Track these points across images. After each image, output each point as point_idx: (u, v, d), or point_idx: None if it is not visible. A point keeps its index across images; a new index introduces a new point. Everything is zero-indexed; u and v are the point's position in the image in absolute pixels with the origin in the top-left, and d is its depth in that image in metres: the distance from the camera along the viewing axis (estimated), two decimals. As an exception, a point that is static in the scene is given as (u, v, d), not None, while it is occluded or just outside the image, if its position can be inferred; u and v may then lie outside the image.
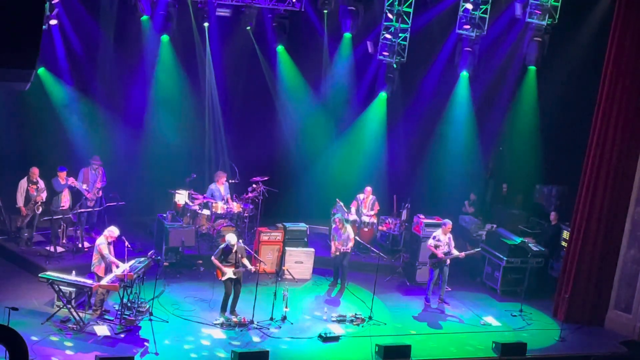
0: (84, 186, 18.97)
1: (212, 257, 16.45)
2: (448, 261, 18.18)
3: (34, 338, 14.26)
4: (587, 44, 21.10)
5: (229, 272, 16.22)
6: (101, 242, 15.78)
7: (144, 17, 20.30)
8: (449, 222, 18.47)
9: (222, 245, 16.53)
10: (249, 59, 21.75)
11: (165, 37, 20.64)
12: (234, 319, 16.10)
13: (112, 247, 15.90)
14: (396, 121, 22.77)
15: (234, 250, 16.29)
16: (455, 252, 18.17)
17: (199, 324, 16.04)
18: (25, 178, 18.49)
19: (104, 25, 20.35)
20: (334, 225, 18.76)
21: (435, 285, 18.33)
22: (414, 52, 21.55)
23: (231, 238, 16.44)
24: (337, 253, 18.40)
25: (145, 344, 14.87)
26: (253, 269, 16.61)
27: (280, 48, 21.63)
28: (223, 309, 16.38)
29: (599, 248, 18.17)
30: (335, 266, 18.75)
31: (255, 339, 15.67)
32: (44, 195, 18.57)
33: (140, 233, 19.69)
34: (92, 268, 15.82)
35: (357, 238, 18.70)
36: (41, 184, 18.55)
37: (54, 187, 18.60)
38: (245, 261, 16.49)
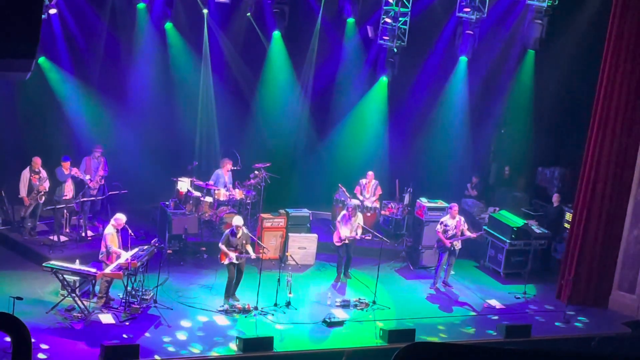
0: (87, 177, 18.97)
1: (220, 244, 16.52)
2: (459, 245, 18.16)
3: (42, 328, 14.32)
4: (588, 25, 21.02)
5: (233, 257, 16.31)
6: (109, 231, 15.74)
7: (141, 5, 20.29)
8: (454, 206, 18.42)
9: (228, 231, 16.61)
10: (249, 45, 21.72)
11: (169, 25, 20.66)
12: (238, 305, 16.13)
13: (119, 235, 15.89)
14: (397, 105, 22.72)
15: (238, 236, 16.36)
16: (467, 233, 18.16)
17: (203, 311, 16.08)
18: (28, 168, 18.48)
19: (103, 13, 20.30)
20: (344, 212, 18.22)
21: (441, 269, 18.36)
22: (414, 36, 21.47)
23: (237, 220, 16.55)
24: (347, 241, 17.97)
25: (148, 334, 14.93)
26: (254, 256, 16.63)
27: (276, 34, 21.58)
28: (227, 294, 16.49)
29: (601, 229, 18.18)
30: (340, 257, 18.26)
31: (260, 325, 15.71)
32: (46, 184, 18.56)
33: (143, 221, 19.67)
34: (100, 256, 15.82)
35: (361, 224, 18.59)
36: (43, 173, 18.55)
37: (58, 177, 18.59)
38: (249, 248, 16.55)
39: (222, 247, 16.41)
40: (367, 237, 18.11)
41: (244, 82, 22.10)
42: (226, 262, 16.43)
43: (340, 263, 18.28)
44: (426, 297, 18.01)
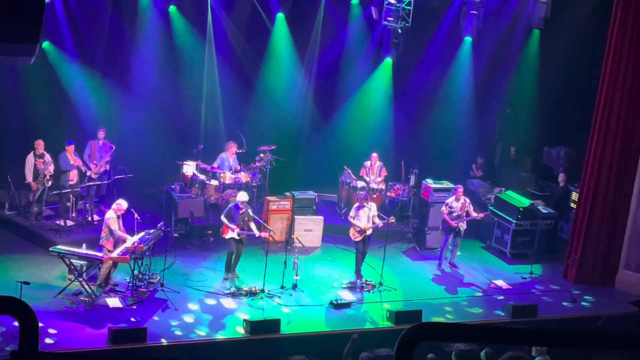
0: (89, 173, 18.91)
1: (222, 216, 16.75)
2: (464, 226, 18.13)
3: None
4: (593, 3, 20.95)
5: (235, 232, 16.50)
6: (110, 216, 15.74)
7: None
8: (460, 187, 18.40)
9: (232, 205, 16.84)
10: (253, 27, 21.68)
11: (172, 8, 20.64)
12: (245, 287, 16.16)
13: (121, 221, 15.91)
14: (402, 87, 22.69)
15: (242, 211, 16.54)
16: (473, 214, 18.14)
17: (210, 294, 16.11)
18: (32, 153, 18.49)
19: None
20: (356, 205, 17.56)
21: (447, 250, 18.36)
22: (418, 17, 21.40)
23: (242, 196, 16.81)
24: (367, 233, 17.21)
25: (155, 317, 14.98)
26: (257, 233, 16.74)
27: (280, 16, 21.53)
28: (227, 269, 16.77)
29: (608, 208, 18.16)
30: (358, 252, 17.38)
31: (267, 307, 15.74)
32: (51, 168, 18.56)
33: (149, 205, 19.71)
34: (100, 241, 15.83)
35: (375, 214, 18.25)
36: (48, 157, 18.54)
37: (61, 167, 18.57)
38: (252, 225, 16.68)
39: (224, 219, 16.61)
40: (391, 220, 17.39)
41: (248, 65, 22.06)
42: (228, 236, 16.63)
43: (359, 257, 17.42)
44: (432, 278, 18.02)
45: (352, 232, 17.38)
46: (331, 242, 19.23)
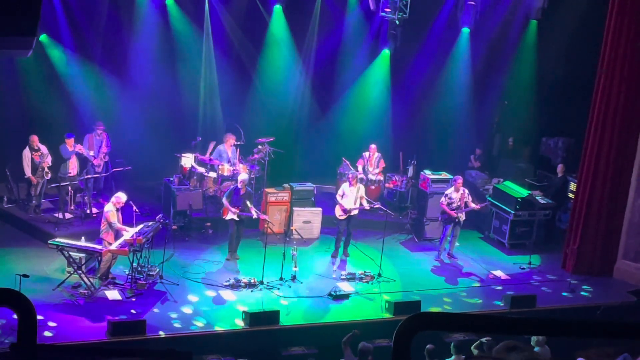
0: (91, 152, 19.00)
1: (223, 198, 17.13)
2: (463, 217, 18.14)
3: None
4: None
5: (234, 214, 16.88)
6: (109, 209, 15.72)
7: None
8: (459, 178, 18.39)
9: (232, 187, 17.19)
10: (250, 19, 21.65)
11: (170, 0, 20.61)
12: (244, 279, 16.15)
13: (120, 213, 15.89)
14: (400, 78, 22.67)
15: (242, 193, 16.86)
16: (471, 205, 18.15)
17: (209, 286, 16.12)
18: (27, 147, 18.44)
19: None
20: (346, 183, 17.91)
21: (446, 240, 18.37)
22: (416, 8, 21.35)
23: (242, 176, 17.29)
24: (351, 213, 17.69)
25: (155, 309, 14.99)
26: (255, 215, 17.03)
27: (277, 8, 21.51)
28: (229, 250, 17.16)
29: (606, 199, 18.17)
30: (339, 232, 17.95)
31: (266, 299, 15.76)
32: (49, 159, 18.53)
33: (148, 197, 19.71)
34: (100, 234, 15.83)
35: (365, 197, 18.49)
36: (43, 149, 18.51)
37: (62, 154, 18.60)
38: (253, 209, 16.91)
39: (225, 202, 16.93)
40: (375, 206, 17.85)
41: (245, 57, 22.02)
42: (228, 217, 16.96)
43: (339, 238, 18.00)
44: (431, 269, 18.04)
45: (337, 210, 17.81)
46: (330, 233, 19.19)
